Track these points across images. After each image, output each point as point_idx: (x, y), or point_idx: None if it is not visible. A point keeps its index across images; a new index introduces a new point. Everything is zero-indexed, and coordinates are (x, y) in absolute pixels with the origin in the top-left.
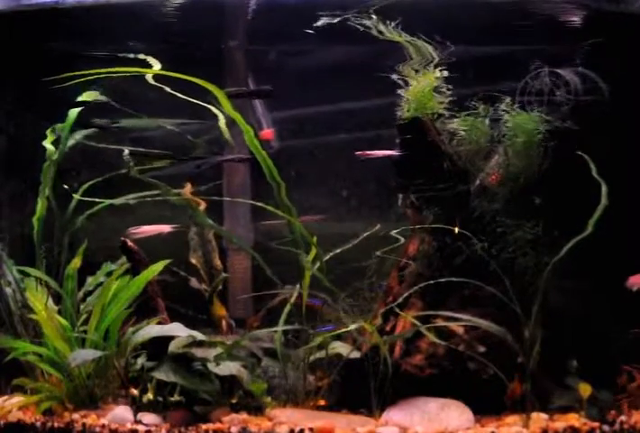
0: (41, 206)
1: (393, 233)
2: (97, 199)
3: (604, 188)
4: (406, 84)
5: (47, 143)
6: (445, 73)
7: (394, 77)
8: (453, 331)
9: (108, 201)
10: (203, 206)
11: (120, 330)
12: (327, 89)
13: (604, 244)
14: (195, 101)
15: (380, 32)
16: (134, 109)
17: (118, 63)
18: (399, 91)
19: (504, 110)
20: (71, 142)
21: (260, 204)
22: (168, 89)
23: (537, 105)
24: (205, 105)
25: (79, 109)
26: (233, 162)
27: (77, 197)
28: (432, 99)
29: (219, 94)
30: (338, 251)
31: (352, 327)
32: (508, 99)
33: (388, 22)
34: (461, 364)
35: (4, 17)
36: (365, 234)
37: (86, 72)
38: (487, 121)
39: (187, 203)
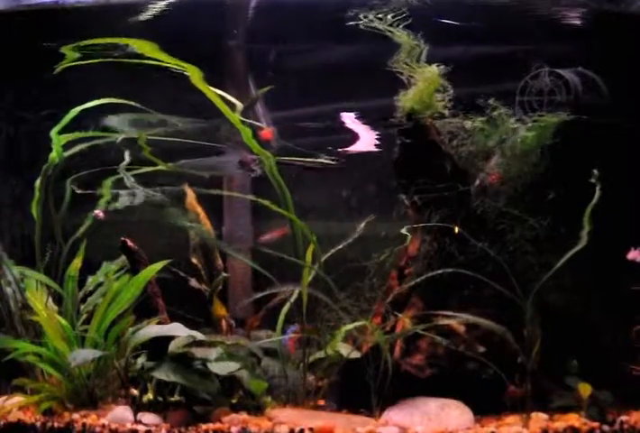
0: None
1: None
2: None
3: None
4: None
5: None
6: (445, 71)
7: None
8: (454, 331)
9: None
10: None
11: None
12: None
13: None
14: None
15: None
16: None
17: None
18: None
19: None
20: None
21: (258, 200)
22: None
23: (538, 106)
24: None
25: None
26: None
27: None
28: (433, 98)
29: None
30: (335, 249)
31: (351, 326)
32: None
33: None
34: (461, 364)
35: (4, 17)
36: (358, 233)
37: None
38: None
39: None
